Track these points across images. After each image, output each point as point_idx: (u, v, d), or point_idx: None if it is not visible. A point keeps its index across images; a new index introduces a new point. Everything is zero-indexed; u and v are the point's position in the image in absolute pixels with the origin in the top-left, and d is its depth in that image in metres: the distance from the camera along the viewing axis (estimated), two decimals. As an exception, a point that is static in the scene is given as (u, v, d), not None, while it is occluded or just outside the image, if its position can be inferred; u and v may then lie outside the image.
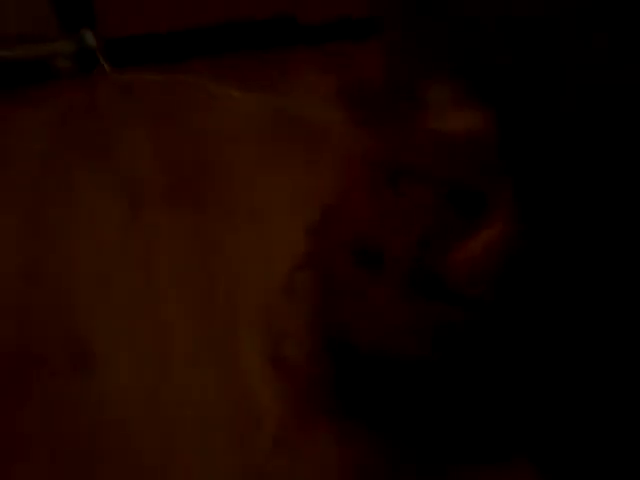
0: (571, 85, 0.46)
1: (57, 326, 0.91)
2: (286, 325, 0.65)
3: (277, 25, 1.97)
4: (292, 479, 0.64)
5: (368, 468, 0.60)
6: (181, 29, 1.93)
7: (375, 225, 0.56)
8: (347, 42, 1.82)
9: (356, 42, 1.65)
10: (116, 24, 1.87)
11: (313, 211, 0.58)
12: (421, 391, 0.56)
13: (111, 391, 0.80)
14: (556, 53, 0.46)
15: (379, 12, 0.62)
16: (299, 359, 0.61)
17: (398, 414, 0.57)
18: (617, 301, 0.50)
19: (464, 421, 0.56)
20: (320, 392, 0.59)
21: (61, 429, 0.76)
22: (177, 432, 0.72)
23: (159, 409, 0.76)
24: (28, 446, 0.74)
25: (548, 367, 0.53)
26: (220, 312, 0.90)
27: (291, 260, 0.61)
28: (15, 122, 1.64)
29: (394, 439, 0.57)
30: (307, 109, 1.48)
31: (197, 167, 1.33)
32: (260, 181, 1.21)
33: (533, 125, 0.48)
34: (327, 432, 0.60)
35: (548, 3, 0.46)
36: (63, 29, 1.87)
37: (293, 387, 0.62)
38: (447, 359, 0.55)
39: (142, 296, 0.95)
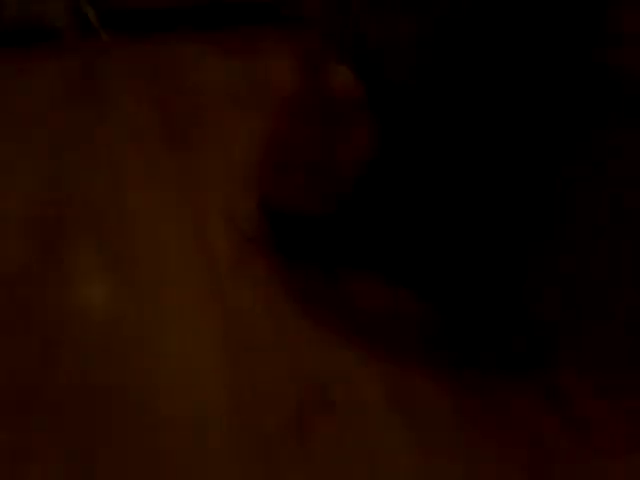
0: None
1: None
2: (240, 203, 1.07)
3: (256, 7, 2.27)
4: (240, 292, 1.01)
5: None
6: (172, 6, 2.20)
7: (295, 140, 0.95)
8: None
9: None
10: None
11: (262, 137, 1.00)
12: (328, 236, 0.98)
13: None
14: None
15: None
16: (247, 222, 1.03)
17: (310, 253, 1.00)
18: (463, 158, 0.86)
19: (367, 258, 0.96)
20: (261, 241, 1.01)
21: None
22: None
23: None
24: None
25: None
26: (194, 200, 1.26)
27: (245, 167, 1.04)
28: (26, 78, 1.90)
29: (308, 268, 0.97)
30: (272, 74, 1.78)
31: (185, 115, 1.62)
32: (229, 123, 1.54)
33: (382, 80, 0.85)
34: (265, 263, 1.00)
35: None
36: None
37: (243, 238, 1.04)
38: (345, 215, 0.95)
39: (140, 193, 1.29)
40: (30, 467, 0.74)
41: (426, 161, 0.85)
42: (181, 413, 0.80)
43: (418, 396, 0.82)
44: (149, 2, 2.18)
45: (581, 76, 0.71)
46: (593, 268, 0.81)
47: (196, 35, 2.19)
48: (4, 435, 0.77)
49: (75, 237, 1.17)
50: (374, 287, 0.97)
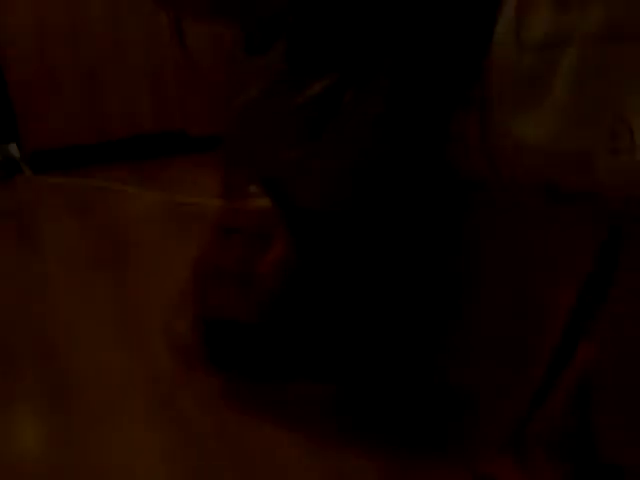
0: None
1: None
2: (179, 314, 1.13)
3: (171, 138, 2.42)
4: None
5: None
6: (92, 142, 2.33)
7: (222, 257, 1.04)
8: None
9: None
10: (37, 138, 2.26)
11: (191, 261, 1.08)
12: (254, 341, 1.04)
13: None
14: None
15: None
16: (186, 333, 1.10)
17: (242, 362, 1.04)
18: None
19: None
20: (199, 352, 1.08)
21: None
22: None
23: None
24: None
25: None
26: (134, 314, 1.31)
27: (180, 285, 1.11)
28: None
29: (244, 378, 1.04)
30: (193, 201, 1.88)
31: (117, 244, 1.71)
32: (158, 249, 1.63)
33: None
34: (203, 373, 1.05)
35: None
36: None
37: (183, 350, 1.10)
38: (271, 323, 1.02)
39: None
40: None
41: (337, 272, 0.98)
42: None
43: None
44: (71, 140, 2.30)
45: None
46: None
47: (118, 167, 2.30)
48: None
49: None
50: (308, 388, 1.06)
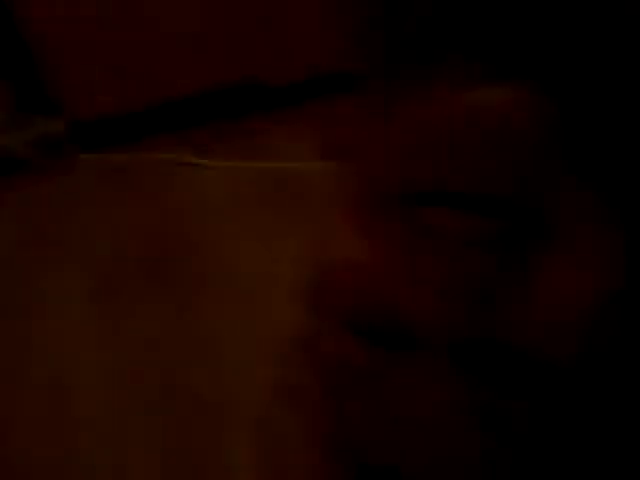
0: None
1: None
2: (281, 437, 0.52)
3: (247, 91, 1.94)
4: None
5: None
6: (147, 107, 1.89)
7: (389, 285, 0.39)
8: (319, 101, 1.77)
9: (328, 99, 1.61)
10: (83, 108, 1.85)
11: (304, 279, 0.47)
12: None
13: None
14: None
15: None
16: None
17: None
18: None
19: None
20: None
21: None
22: None
23: None
24: None
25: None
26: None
27: (281, 344, 0.50)
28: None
29: None
30: (289, 172, 1.44)
31: (178, 243, 1.28)
32: (244, 251, 1.19)
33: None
34: None
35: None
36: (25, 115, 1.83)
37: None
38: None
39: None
40: None
41: None
42: None
43: None
44: (123, 106, 1.88)
45: None
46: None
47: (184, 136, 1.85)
48: None
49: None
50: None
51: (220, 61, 1.88)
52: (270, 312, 0.93)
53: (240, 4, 1.84)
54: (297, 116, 1.83)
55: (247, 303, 1.03)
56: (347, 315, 0.38)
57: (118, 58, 1.83)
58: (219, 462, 0.83)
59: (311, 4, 1.59)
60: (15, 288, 1.25)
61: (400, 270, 0.34)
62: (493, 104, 0.31)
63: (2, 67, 1.78)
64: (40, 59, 1.78)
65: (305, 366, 0.44)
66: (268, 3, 1.84)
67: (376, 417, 0.40)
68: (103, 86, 1.84)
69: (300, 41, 1.86)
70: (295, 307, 0.44)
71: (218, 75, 1.89)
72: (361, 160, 0.37)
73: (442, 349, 0.33)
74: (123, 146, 1.84)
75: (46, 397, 0.99)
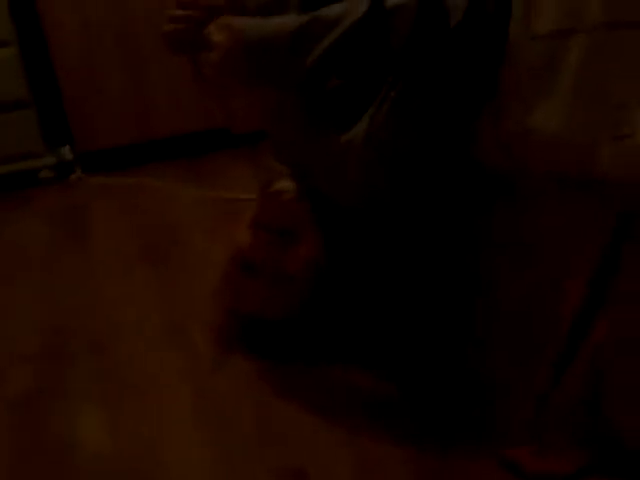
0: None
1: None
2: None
3: (213, 135, 2.50)
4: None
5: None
6: (140, 141, 2.42)
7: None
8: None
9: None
10: (88, 140, 2.36)
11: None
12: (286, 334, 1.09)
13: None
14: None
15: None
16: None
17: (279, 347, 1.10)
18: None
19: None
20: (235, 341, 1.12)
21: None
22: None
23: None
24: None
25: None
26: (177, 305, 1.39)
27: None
28: (15, 218, 2.11)
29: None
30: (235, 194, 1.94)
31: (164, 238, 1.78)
32: (201, 242, 1.69)
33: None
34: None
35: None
36: (47, 146, 2.36)
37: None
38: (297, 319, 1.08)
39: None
40: None
41: (366, 268, 1.03)
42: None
43: (385, 464, 0.93)
44: (120, 140, 2.40)
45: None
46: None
47: (168, 166, 2.39)
48: None
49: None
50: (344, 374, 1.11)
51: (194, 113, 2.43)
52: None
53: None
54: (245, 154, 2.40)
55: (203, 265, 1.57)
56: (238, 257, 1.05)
57: (117, 106, 2.34)
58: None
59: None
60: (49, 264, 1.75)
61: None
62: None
63: (35, 106, 2.30)
64: (61, 100, 2.32)
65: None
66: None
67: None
68: (104, 126, 2.35)
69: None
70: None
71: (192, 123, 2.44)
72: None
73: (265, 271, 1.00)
74: (118, 171, 2.35)
75: None
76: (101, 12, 2.24)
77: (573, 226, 0.80)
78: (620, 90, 0.71)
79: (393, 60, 0.88)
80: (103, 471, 0.99)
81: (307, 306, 1.09)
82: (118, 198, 2.18)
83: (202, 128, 2.45)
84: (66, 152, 2.41)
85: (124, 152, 2.41)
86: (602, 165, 0.73)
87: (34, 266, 1.74)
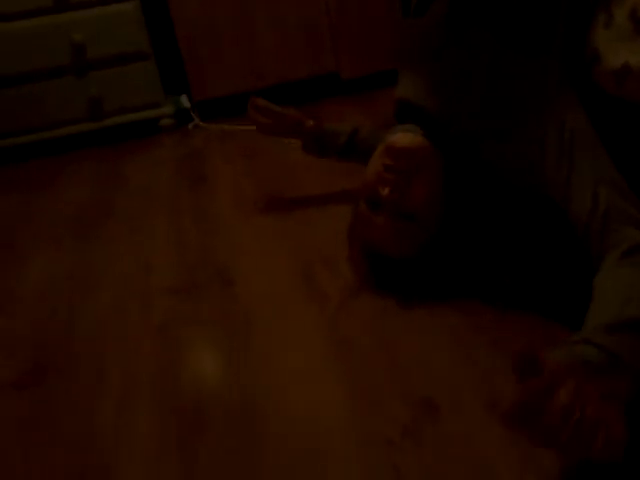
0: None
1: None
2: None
3: (325, 81, 2.53)
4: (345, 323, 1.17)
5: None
6: (253, 89, 2.48)
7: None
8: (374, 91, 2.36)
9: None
10: (204, 89, 2.47)
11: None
12: (411, 272, 1.15)
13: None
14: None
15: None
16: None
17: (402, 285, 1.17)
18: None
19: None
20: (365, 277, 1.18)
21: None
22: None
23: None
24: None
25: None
26: (300, 246, 1.45)
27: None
28: (139, 164, 2.24)
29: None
30: None
31: (281, 182, 1.84)
32: (319, 185, 1.74)
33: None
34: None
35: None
36: (167, 96, 2.48)
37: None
38: (422, 257, 1.13)
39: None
40: None
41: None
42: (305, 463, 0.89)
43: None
44: (233, 89, 2.48)
45: None
46: None
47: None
48: None
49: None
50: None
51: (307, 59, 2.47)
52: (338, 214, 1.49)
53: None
54: (357, 102, 2.40)
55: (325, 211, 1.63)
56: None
57: (230, 57, 2.43)
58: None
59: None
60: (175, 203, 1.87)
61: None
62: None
63: (158, 59, 2.42)
64: (179, 51, 2.42)
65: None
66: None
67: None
68: (218, 75, 2.45)
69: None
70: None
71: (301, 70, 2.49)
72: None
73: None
74: (232, 118, 2.43)
75: None
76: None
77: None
78: None
79: None
80: (228, 403, 1.04)
81: (431, 245, 1.13)
82: (234, 144, 2.26)
83: (311, 74, 2.51)
84: (184, 101, 2.53)
85: (238, 100, 2.46)
86: None
87: (160, 209, 1.85)
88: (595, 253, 0.92)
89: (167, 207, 1.85)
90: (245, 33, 2.43)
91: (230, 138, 2.32)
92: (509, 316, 1.09)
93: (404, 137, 1.11)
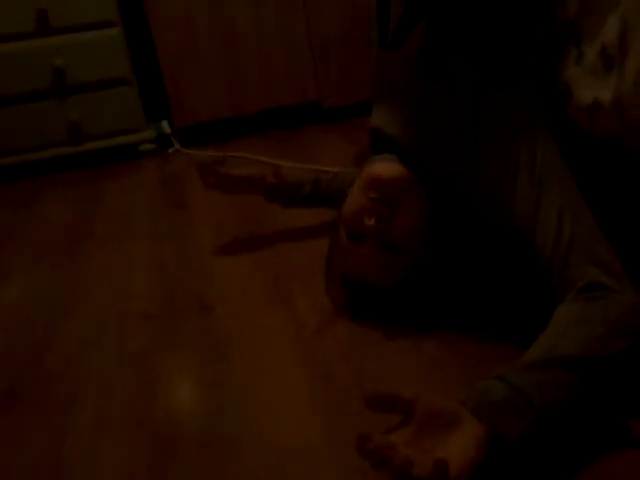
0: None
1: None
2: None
3: (306, 109, 2.56)
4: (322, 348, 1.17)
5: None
6: (234, 116, 2.52)
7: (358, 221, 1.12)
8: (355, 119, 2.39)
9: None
10: (185, 115, 2.49)
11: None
12: (393, 300, 1.16)
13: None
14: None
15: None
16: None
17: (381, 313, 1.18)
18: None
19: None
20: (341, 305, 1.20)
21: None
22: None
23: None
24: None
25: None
26: (281, 274, 1.45)
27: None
28: (118, 187, 2.24)
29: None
30: (330, 169, 1.99)
31: (260, 208, 1.79)
32: (298, 212, 1.71)
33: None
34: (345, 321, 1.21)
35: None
36: (147, 121, 2.49)
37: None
38: (404, 287, 1.14)
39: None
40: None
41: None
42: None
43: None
44: (214, 115, 2.50)
45: None
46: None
47: (261, 139, 2.48)
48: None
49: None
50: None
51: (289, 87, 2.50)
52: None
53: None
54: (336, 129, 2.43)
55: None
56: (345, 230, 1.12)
57: (211, 84, 2.45)
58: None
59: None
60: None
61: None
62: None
63: (140, 85, 2.43)
64: (161, 78, 2.43)
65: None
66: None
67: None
68: (199, 102, 2.46)
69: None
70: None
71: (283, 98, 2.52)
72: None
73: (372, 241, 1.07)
74: (213, 144, 2.46)
75: None
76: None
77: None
78: None
79: None
80: (208, 426, 1.04)
81: (413, 272, 1.14)
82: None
83: (293, 103, 2.54)
84: (165, 126, 2.54)
85: (218, 126, 2.53)
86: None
87: (139, 232, 1.84)
88: (556, 285, 0.95)
89: (146, 231, 1.85)
90: (228, 60, 2.46)
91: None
92: (489, 345, 1.10)
93: (386, 167, 1.12)
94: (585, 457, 0.85)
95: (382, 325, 1.19)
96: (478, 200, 1.07)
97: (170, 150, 2.52)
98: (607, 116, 0.88)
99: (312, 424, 1.00)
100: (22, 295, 1.57)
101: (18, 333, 1.39)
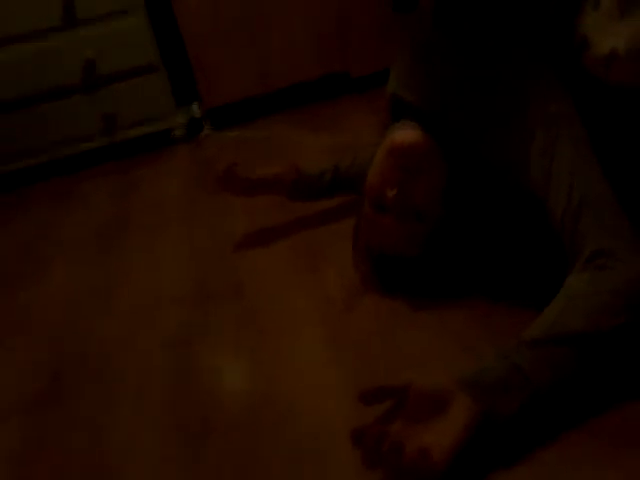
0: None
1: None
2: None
3: (334, 81, 2.52)
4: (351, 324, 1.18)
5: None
6: (263, 93, 2.50)
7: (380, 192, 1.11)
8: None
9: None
10: (214, 96, 2.48)
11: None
12: (416, 270, 1.15)
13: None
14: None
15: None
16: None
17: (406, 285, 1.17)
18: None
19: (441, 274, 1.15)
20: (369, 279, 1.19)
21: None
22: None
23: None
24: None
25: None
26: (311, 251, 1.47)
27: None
28: (152, 176, 2.27)
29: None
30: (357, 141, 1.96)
31: None
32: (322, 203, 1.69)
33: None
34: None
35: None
36: (177, 106, 2.50)
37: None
38: (427, 255, 1.13)
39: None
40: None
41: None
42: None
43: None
44: (243, 94, 2.49)
45: None
46: None
47: (291, 115, 2.46)
48: None
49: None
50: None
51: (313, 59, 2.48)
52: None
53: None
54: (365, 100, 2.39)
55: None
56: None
57: (238, 62, 2.43)
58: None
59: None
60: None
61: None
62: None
63: (168, 70, 2.44)
64: (189, 63, 2.44)
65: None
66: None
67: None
68: (227, 81, 2.45)
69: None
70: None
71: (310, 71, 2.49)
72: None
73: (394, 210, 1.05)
74: (244, 124, 2.45)
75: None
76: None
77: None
78: None
79: None
80: (242, 407, 1.06)
81: (435, 240, 1.13)
82: (247, 151, 2.26)
83: (321, 74, 2.50)
84: (195, 110, 2.55)
85: (248, 105, 2.51)
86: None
87: (172, 220, 1.87)
88: (567, 249, 0.93)
89: (182, 219, 1.87)
90: (252, 37, 2.43)
91: (243, 145, 2.32)
92: (515, 310, 1.08)
93: (407, 134, 1.10)
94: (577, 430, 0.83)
95: (408, 296, 1.18)
96: (496, 160, 1.04)
97: (202, 134, 2.52)
98: (623, 66, 0.84)
99: (342, 403, 1.01)
100: (64, 288, 1.62)
101: (65, 321, 1.46)
